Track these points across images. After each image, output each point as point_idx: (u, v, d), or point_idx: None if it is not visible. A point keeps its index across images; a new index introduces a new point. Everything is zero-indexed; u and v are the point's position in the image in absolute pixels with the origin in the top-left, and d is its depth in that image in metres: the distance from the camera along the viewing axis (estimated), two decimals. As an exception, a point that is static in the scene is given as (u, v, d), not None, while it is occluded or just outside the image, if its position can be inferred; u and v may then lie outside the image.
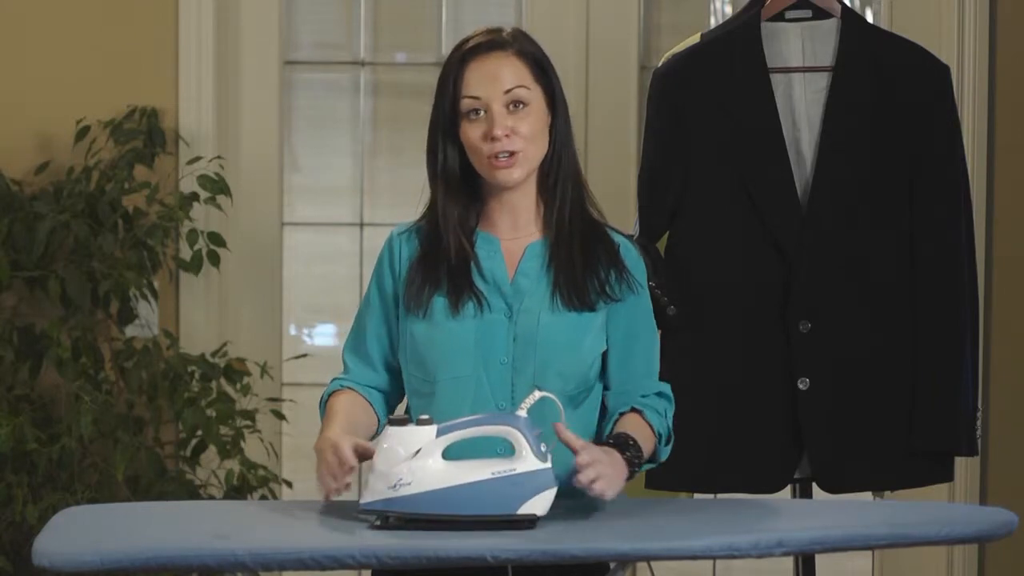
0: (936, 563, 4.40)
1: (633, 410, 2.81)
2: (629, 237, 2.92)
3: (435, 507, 2.55)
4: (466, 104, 2.78)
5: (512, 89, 2.77)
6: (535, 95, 2.79)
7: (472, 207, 2.85)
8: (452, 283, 2.80)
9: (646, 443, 2.77)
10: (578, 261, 2.82)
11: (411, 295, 2.82)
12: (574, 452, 2.61)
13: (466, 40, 2.82)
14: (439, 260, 2.82)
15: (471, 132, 2.78)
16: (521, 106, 2.77)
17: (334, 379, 2.90)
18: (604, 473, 2.62)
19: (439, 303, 2.80)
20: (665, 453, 2.85)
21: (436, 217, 2.84)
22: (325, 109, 4.66)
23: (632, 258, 2.87)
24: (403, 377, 2.86)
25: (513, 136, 2.76)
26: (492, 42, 2.79)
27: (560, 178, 2.84)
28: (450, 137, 2.81)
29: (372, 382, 2.88)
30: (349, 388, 2.86)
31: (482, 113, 2.77)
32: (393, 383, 2.89)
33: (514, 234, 2.85)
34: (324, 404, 2.86)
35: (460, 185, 2.83)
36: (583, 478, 2.60)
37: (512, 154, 2.77)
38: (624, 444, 2.72)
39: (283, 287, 4.57)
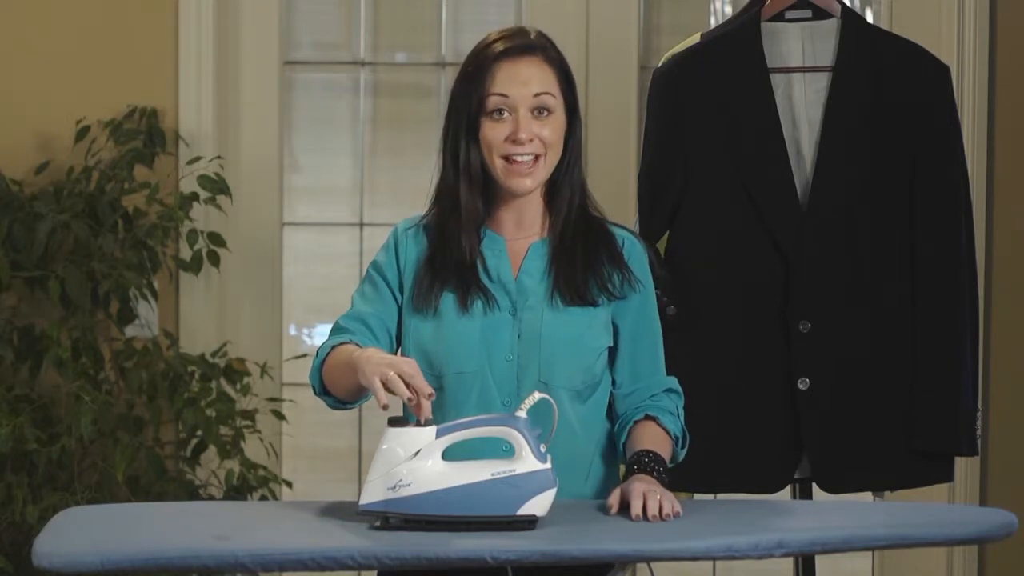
0: (936, 563, 4.40)
1: (647, 417, 2.82)
2: (632, 231, 2.92)
3: (435, 508, 2.55)
4: (493, 102, 2.78)
5: (540, 94, 2.78)
6: (559, 103, 2.81)
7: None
8: (461, 281, 2.81)
9: (664, 451, 2.78)
10: (579, 261, 2.82)
11: (420, 295, 2.82)
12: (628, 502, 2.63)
13: (494, 40, 2.82)
14: (447, 259, 2.82)
15: (493, 131, 2.79)
16: (546, 112, 2.79)
17: (325, 344, 2.78)
18: (653, 491, 2.63)
19: (448, 301, 2.81)
20: (682, 455, 2.86)
21: (444, 213, 2.84)
22: (325, 109, 4.66)
23: (636, 252, 2.88)
24: None
25: (536, 141, 2.78)
26: (524, 46, 2.81)
27: (568, 186, 2.85)
28: (472, 135, 2.81)
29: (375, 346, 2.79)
30: (355, 343, 2.76)
31: (506, 114, 2.78)
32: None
33: (518, 234, 2.86)
34: (321, 364, 2.76)
35: (482, 182, 2.83)
36: (650, 511, 2.60)
37: (535, 159, 2.78)
38: (645, 466, 2.72)
39: (283, 287, 4.57)
